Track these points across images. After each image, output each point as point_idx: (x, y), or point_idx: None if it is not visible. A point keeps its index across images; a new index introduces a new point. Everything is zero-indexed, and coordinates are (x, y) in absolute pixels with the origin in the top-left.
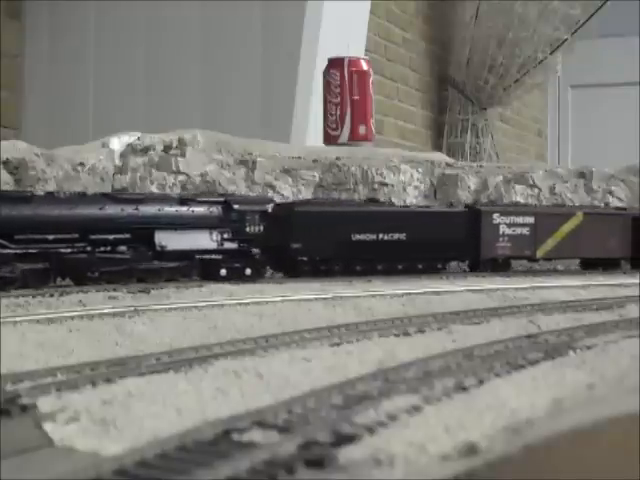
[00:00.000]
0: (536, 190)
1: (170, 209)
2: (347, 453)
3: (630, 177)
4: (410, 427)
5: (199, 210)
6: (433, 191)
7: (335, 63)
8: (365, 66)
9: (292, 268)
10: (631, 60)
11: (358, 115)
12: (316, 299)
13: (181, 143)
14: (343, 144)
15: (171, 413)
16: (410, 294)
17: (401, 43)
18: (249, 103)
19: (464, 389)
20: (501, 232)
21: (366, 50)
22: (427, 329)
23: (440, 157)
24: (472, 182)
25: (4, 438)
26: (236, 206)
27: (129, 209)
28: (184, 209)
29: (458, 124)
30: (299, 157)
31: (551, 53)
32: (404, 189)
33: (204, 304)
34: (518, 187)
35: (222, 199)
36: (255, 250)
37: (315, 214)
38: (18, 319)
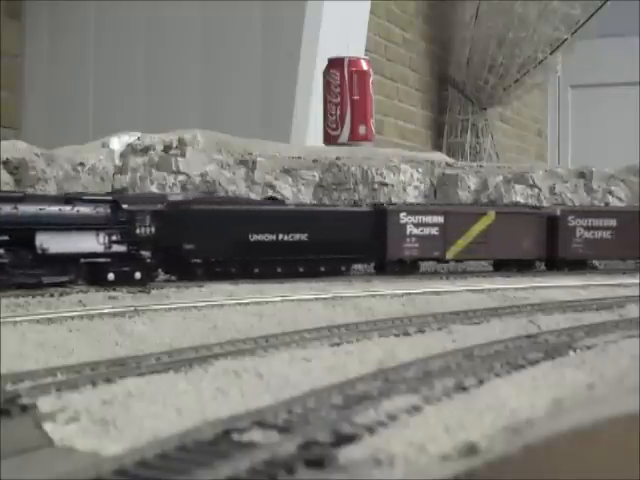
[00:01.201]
0: (536, 190)
1: (52, 208)
2: (347, 453)
3: (630, 177)
4: (410, 427)
5: (84, 210)
6: (433, 191)
7: (335, 63)
8: (365, 66)
9: (185, 271)
10: (631, 60)
11: (358, 115)
12: (316, 299)
13: (181, 143)
14: (343, 144)
15: (171, 413)
16: (410, 294)
17: (401, 43)
18: (249, 103)
19: (464, 389)
20: (408, 232)
21: (366, 50)
22: (427, 329)
23: (440, 157)
24: (472, 182)
25: (4, 438)
26: (125, 205)
27: (7, 208)
28: (68, 208)
29: (458, 124)
30: (299, 157)
31: (551, 53)
32: (404, 189)
33: (204, 304)
34: (518, 187)
35: (110, 198)
36: (146, 253)
37: (210, 213)
38: (18, 319)
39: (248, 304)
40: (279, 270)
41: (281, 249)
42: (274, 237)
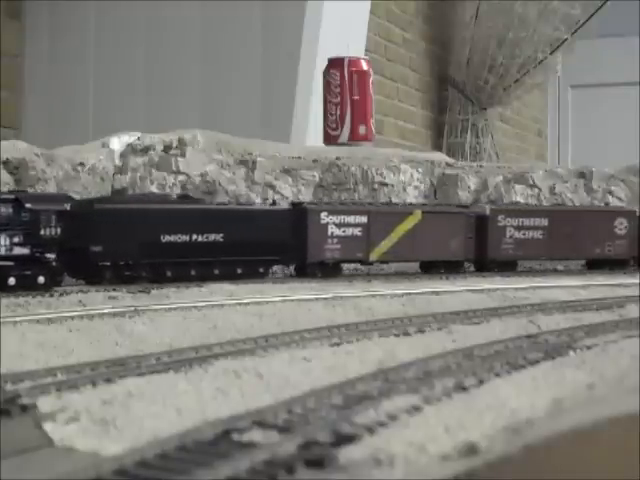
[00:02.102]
0: (536, 190)
1: None
2: (347, 453)
3: (630, 177)
4: (410, 427)
5: None
6: (433, 191)
7: (335, 63)
8: (365, 66)
9: (92, 274)
10: (631, 60)
11: (358, 115)
12: (316, 299)
13: (181, 143)
14: (343, 144)
15: (171, 413)
16: (410, 294)
17: (401, 43)
18: (249, 103)
19: (464, 389)
20: (330, 233)
21: (366, 50)
22: (427, 329)
23: (440, 157)
24: (472, 182)
25: (4, 438)
26: (28, 205)
27: None
28: None
29: (458, 124)
30: (299, 157)
31: (551, 53)
32: (404, 189)
33: (204, 304)
34: (518, 187)
35: (12, 196)
36: (50, 255)
37: (118, 212)
38: (18, 319)
39: (248, 304)
40: (193, 273)
41: (195, 250)
42: (187, 238)
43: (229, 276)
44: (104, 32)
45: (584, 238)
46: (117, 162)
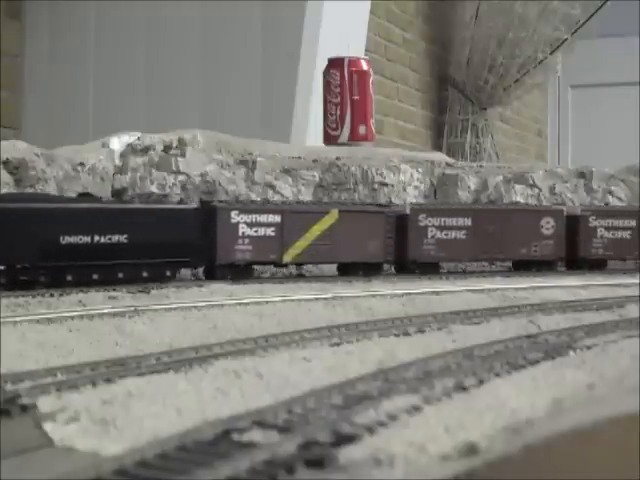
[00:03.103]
0: (536, 190)
1: None
2: (347, 453)
3: (630, 177)
4: (410, 427)
5: None
6: (433, 191)
7: (335, 63)
8: (365, 66)
9: None
10: (631, 60)
11: (358, 115)
12: (316, 299)
13: (181, 143)
14: (343, 144)
15: (171, 413)
16: (410, 294)
17: (401, 43)
18: (249, 103)
19: (464, 389)
20: (241, 233)
21: (366, 50)
22: (427, 329)
23: (440, 157)
24: (472, 182)
25: (4, 438)
26: None
27: None
28: None
29: (458, 124)
30: (299, 157)
31: (551, 53)
32: (404, 189)
33: (204, 304)
34: (518, 187)
35: None
36: None
37: (10, 212)
38: (18, 319)
39: (248, 304)
40: (95, 277)
41: (97, 253)
42: (89, 239)
43: (134, 280)
44: (104, 32)
45: (509, 238)
46: (117, 162)
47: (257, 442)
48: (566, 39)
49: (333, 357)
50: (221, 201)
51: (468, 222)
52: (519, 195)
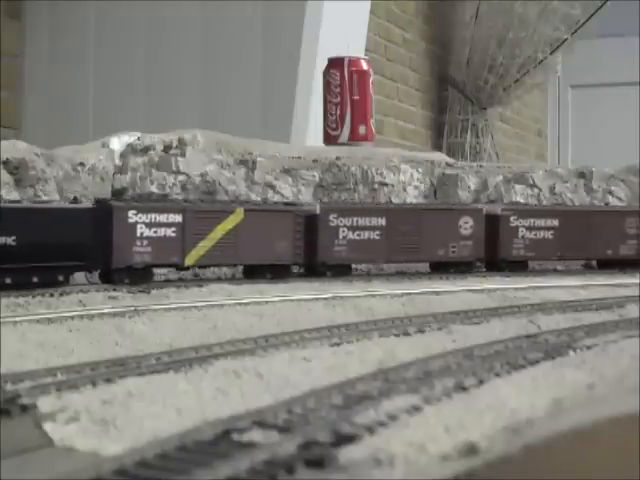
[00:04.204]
0: (536, 190)
1: None
2: (347, 453)
3: (630, 177)
4: (410, 427)
5: None
6: (433, 191)
7: (335, 63)
8: (365, 66)
9: None
10: (631, 60)
11: (358, 115)
12: (316, 299)
13: (181, 143)
14: (343, 144)
15: (171, 413)
16: (410, 294)
17: (401, 43)
18: (249, 103)
19: (464, 389)
20: (139, 233)
21: (366, 50)
22: (427, 329)
23: (440, 157)
24: (472, 182)
25: (4, 438)
26: None
27: None
28: None
29: (458, 124)
30: (299, 157)
31: (551, 53)
32: (404, 189)
33: (204, 304)
34: (518, 187)
35: None
36: None
37: None
38: (18, 319)
39: (248, 304)
40: None
41: None
42: None
43: (23, 285)
44: (104, 32)
45: (425, 239)
46: (117, 162)
47: (257, 442)
48: (566, 39)
49: (333, 357)
50: (117, 199)
51: (382, 222)
52: (519, 195)
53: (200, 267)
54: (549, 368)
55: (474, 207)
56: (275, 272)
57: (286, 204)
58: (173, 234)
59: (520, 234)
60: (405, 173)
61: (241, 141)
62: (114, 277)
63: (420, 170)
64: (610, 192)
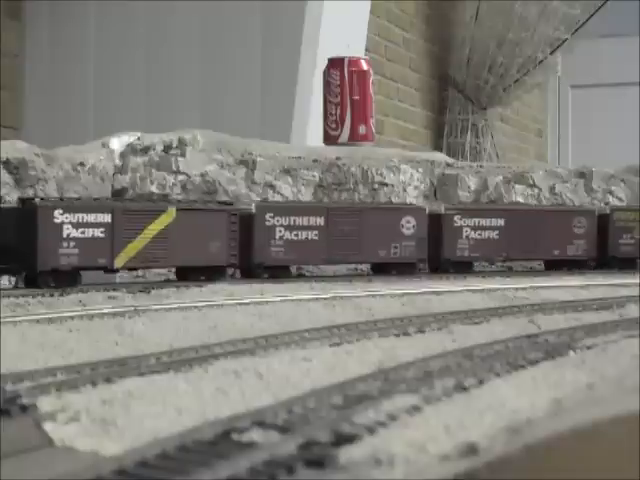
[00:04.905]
0: (536, 190)
1: None
2: (347, 453)
3: (630, 177)
4: (410, 427)
5: None
6: (433, 191)
7: (335, 63)
8: (365, 66)
9: None
10: (631, 60)
11: (358, 115)
12: (316, 299)
13: (181, 143)
14: (343, 144)
15: (171, 413)
16: (410, 294)
17: (401, 43)
18: (249, 103)
19: (464, 389)
20: (65, 234)
21: (366, 50)
22: (427, 329)
23: (440, 157)
24: (472, 182)
25: (4, 438)
26: None
27: None
28: None
29: (458, 124)
30: (299, 157)
31: (551, 53)
32: (404, 189)
33: (204, 304)
34: (518, 187)
35: None
36: None
37: None
38: (18, 319)
39: (248, 304)
40: None
41: None
42: None
43: None
44: (104, 32)
45: (366, 239)
46: (117, 162)
47: (257, 442)
48: (566, 39)
49: (333, 357)
50: (42, 199)
51: (321, 222)
52: (519, 195)
53: (130, 269)
54: (549, 368)
55: (416, 206)
56: (209, 274)
57: (220, 203)
58: (102, 235)
59: (464, 234)
60: (405, 173)
61: (241, 141)
62: (39, 280)
63: (420, 170)
64: (610, 192)
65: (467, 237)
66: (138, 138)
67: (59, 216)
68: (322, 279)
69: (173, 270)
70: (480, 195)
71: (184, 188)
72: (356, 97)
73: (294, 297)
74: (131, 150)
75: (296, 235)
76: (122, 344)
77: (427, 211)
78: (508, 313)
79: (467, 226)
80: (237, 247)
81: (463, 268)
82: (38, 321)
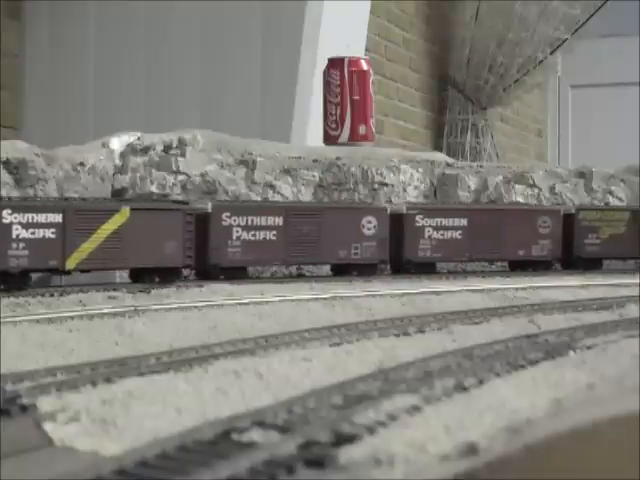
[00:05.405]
0: (536, 190)
1: None
2: (347, 453)
3: (630, 177)
4: (410, 427)
5: None
6: (433, 191)
7: (335, 63)
8: (365, 66)
9: None
10: (631, 60)
11: (358, 115)
12: (316, 299)
13: (181, 143)
14: (343, 144)
15: (171, 413)
16: (410, 294)
17: (401, 43)
18: (249, 103)
19: (464, 389)
20: (15, 235)
21: (366, 50)
22: (427, 329)
23: (440, 157)
24: (472, 182)
25: (4, 438)
26: None
27: None
28: None
29: (458, 124)
30: (299, 157)
31: (551, 53)
32: (404, 189)
33: (204, 304)
34: (518, 187)
35: None
36: None
37: None
38: (18, 319)
39: (248, 304)
40: None
41: None
42: None
43: None
44: (104, 32)
45: (326, 240)
46: (117, 162)
47: (257, 442)
48: (566, 39)
49: (333, 357)
50: None
51: (279, 221)
52: (519, 195)
53: (82, 271)
54: (549, 368)
55: (377, 206)
56: (164, 275)
57: (176, 202)
58: (52, 235)
59: (427, 234)
60: (405, 173)
61: (241, 141)
62: None
63: (420, 170)
64: (610, 192)
65: (429, 237)
66: (138, 138)
67: (8, 216)
68: (322, 279)
69: (126, 272)
70: (480, 195)
71: (184, 188)
72: (356, 97)
73: (294, 297)
74: (131, 150)
75: (254, 235)
76: (122, 344)
77: (388, 211)
78: (508, 313)
79: (429, 226)
80: (193, 248)
81: (425, 269)
82: (38, 321)
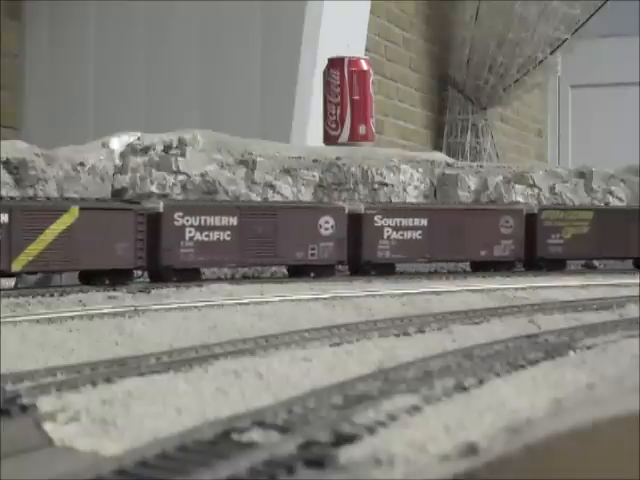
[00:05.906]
0: (536, 190)
1: None
2: (347, 453)
3: (630, 177)
4: (410, 427)
5: None
6: (433, 191)
7: (335, 63)
8: (365, 66)
9: None
10: (631, 60)
11: (358, 115)
12: (316, 299)
13: (181, 143)
14: (343, 144)
15: (171, 413)
16: (410, 294)
17: (401, 43)
18: (249, 103)
19: (464, 389)
20: None
21: (366, 50)
22: (427, 329)
23: (440, 157)
24: (472, 182)
25: (4, 438)
26: None
27: None
28: None
29: (458, 124)
30: (299, 157)
31: (551, 53)
32: (404, 189)
33: (204, 304)
34: (518, 187)
35: None
36: None
37: None
38: (18, 319)
39: (248, 304)
40: None
41: None
42: None
43: None
44: (104, 32)
45: (282, 240)
46: (117, 162)
47: (257, 442)
48: (566, 39)
49: (333, 357)
50: None
51: (233, 222)
52: (519, 195)
53: (29, 273)
54: (549, 368)
55: (335, 206)
56: (115, 277)
57: (126, 201)
58: None
59: (386, 234)
60: (405, 173)
61: (241, 141)
62: None
63: (420, 170)
64: (610, 192)
65: (388, 238)
66: (138, 138)
67: None
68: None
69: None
70: (480, 195)
71: (184, 188)
72: (356, 97)
73: (294, 297)
74: (131, 150)
75: (207, 236)
76: (122, 344)
77: (346, 211)
78: (508, 313)
79: (388, 226)
80: (145, 249)
81: (385, 270)
82: (38, 321)
